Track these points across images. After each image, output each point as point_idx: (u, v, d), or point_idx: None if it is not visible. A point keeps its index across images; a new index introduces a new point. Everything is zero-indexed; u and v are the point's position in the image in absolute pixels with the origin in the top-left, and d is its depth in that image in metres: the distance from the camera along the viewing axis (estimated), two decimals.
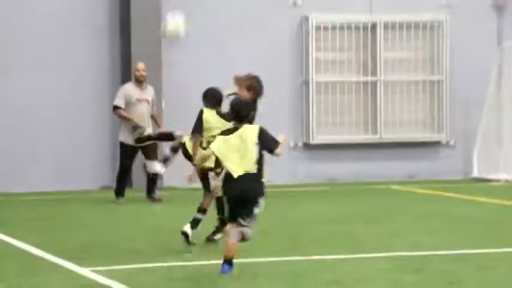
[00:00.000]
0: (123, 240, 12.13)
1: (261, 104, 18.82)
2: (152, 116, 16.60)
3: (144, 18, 18.64)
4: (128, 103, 16.32)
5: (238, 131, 9.57)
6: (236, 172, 9.40)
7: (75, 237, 12.43)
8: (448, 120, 20.16)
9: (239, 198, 9.40)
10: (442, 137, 20.18)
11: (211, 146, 9.65)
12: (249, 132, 9.57)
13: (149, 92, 16.59)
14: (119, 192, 16.43)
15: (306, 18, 19.75)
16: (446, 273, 9.62)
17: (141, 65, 16.53)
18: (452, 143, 20.16)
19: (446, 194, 17.29)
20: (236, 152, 9.45)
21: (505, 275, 9.59)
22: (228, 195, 9.54)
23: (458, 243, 11.62)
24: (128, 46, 18.72)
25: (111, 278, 9.41)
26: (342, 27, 19.92)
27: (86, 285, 9.20)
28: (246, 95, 11.19)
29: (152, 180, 16.39)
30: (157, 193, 16.45)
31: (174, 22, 11.53)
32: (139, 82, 16.48)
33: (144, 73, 16.47)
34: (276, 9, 19.62)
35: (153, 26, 18.39)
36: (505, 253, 10.99)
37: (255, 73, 19.04)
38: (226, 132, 9.67)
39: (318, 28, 19.79)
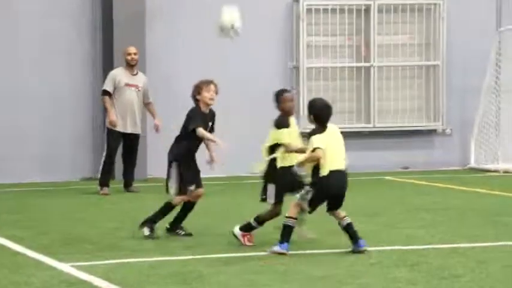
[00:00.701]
0: (104, 234, 12.15)
1: (251, 91, 19.22)
2: (147, 105, 16.58)
3: (127, 9, 18.73)
4: (117, 88, 16.29)
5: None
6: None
7: (55, 231, 12.45)
8: (445, 107, 20.21)
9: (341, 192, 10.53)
10: (438, 126, 20.23)
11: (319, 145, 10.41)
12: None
13: (140, 79, 16.52)
14: (104, 182, 16.40)
15: (297, 0, 19.78)
16: (441, 268, 9.69)
17: (132, 49, 16.43)
18: (448, 131, 20.23)
19: (442, 185, 17.35)
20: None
21: (502, 269, 9.65)
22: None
23: (455, 237, 11.69)
24: (111, 36, 18.74)
25: (91, 273, 9.46)
26: (334, 10, 19.95)
27: (66, 281, 9.21)
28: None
29: (131, 171, 16.46)
30: (134, 185, 16.52)
31: (230, 16, 11.70)
32: (130, 66, 16.40)
33: (135, 57, 16.36)
34: None
35: (134, 15, 18.54)
36: (503, 246, 11.08)
37: (244, 58, 19.33)
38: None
39: (309, 11, 19.83)
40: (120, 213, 14.32)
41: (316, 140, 10.46)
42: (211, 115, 11.85)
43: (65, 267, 9.87)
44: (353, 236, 10.53)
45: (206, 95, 11.67)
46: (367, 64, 20.08)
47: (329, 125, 10.73)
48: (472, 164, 19.89)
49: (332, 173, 10.37)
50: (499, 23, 20.42)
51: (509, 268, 9.69)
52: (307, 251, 10.65)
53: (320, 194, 10.44)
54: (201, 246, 11.04)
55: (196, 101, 11.75)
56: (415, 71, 20.34)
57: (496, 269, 9.62)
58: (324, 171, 10.35)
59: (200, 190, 11.71)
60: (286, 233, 10.48)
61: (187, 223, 11.87)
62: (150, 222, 11.68)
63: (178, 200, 11.60)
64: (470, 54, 20.04)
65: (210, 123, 11.80)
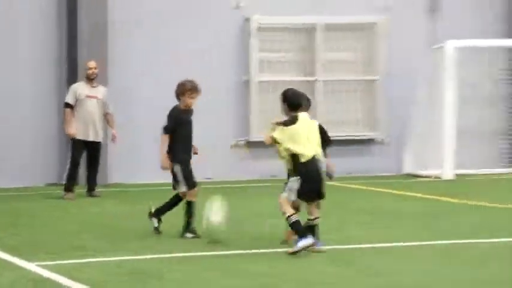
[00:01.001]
0: (68, 236, 12.12)
1: (205, 102, 19.24)
2: (106, 116, 16.63)
3: (91, 20, 18.72)
4: (78, 99, 16.40)
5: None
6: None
7: (22, 233, 12.38)
8: (382, 118, 20.36)
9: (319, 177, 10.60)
10: (376, 135, 20.35)
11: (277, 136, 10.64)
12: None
13: (100, 91, 16.63)
14: (69, 187, 16.37)
15: (248, 20, 19.83)
16: (374, 265, 9.85)
17: (92, 63, 16.57)
18: (386, 140, 20.30)
19: (380, 190, 17.43)
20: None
21: (432, 266, 9.81)
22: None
23: (390, 237, 11.83)
24: (75, 44, 18.72)
25: (57, 272, 9.44)
26: (283, 29, 20.01)
27: (33, 280, 9.22)
28: None
29: (93, 177, 16.50)
30: (96, 190, 16.57)
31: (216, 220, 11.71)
32: (90, 80, 16.51)
33: (95, 70, 16.50)
34: (219, 10, 19.58)
35: (100, 27, 18.54)
36: (434, 245, 11.22)
37: (200, 72, 19.37)
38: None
39: (260, 29, 19.84)
40: (83, 216, 14.25)
41: (278, 131, 10.64)
42: (191, 110, 12.06)
43: (32, 267, 9.84)
44: (315, 236, 10.55)
45: (188, 101, 11.89)
46: (312, 78, 20.18)
47: (301, 114, 10.78)
48: (407, 170, 20.08)
49: (308, 159, 10.48)
50: (432, 41, 20.60)
51: (438, 265, 9.85)
52: (255, 250, 10.76)
53: (304, 181, 10.45)
54: (159, 246, 11.11)
55: (178, 99, 11.95)
56: (356, 85, 20.44)
57: (426, 266, 9.77)
58: (302, 159, 10.47)
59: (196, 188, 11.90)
60: (297, 228, 10.42)
61: (145, 226, 11.96)
62: (159, 213, 11.87)
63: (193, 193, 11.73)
64: (407, 70, 20.09)
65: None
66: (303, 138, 10.64)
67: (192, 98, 11.89)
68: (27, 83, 18.69)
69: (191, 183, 11.80)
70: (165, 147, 11.84)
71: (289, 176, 10.69)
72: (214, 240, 11.03)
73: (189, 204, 11.74)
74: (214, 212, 11.36)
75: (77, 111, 16.39)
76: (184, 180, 11.75)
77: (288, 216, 10.43)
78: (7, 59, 18.57)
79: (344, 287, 8.79)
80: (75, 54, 18.59)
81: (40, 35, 18.73)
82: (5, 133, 18.54)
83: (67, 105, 16.45)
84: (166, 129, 11.85)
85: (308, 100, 11.17)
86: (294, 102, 10.81)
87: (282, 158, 10.76)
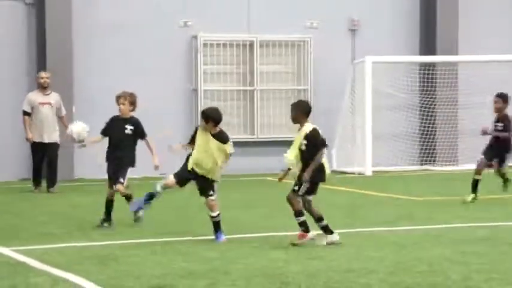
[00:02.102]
0: (38, 224, 11.98)
1: (158, 108, 19.14)
2: (60, 119, 16.38)
3: (57, 37, 18.52)
4: (33, 106, 16.18)
5: None
6: None
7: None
8: (312, 123, 20.29)
9: None
10: None
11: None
12: None
13: (53, 97, 16.37)
14: (35, 183, 16.24)
15: (195, 37, 19.77)
16: (309, 249, 9.77)
17: (43, 73, 16.45)
18: None
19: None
20: None
21: (357, 250, 9.75)
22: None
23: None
24: (44, 57, 18.50)
25: (28, 256, 9.33)
26: (225, 45, 19.99)
27: (6, 263, 9.07)
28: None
29: (52, 175, 16.19)
30: (55, 187, 16.21)
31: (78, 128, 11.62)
32: (43, 88, 16.29)
33: (47, 80, 16.31)
34: (169, 29, 19.54)
35: (65, 43, 18.34)
36: (359, 232, 11.22)
37: (153, 82, 19.25)
38: None
39: (205, 45, 19.84)
40: (51, 208, 14.08)
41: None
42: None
43: (7, 251, 9.71)
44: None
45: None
46: (251, 88, 20.17)
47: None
48: (334, 167, 20.11)
49: None
50: (354, 56, 20.71)
51: (362, 249, 9.81)
52: (204, 237, 10.62)
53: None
54: (117, 233, 10.97)
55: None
56: (289, 93, 20.48)
57: (350, 249, 9.73)
58: None
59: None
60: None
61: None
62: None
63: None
64: (332, 81, 20.26)
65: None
66: None
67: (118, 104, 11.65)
68: (5, 89, 18.58)
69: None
70: None
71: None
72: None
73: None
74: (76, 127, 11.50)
75: (34, 116, 16.18)
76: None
77: (299, 215, 9.97)
78: None
79: (285, 269, 8.66)
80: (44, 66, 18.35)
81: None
82: None
83: (24, 112, 16.28)
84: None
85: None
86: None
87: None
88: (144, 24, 19.41)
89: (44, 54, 18.55)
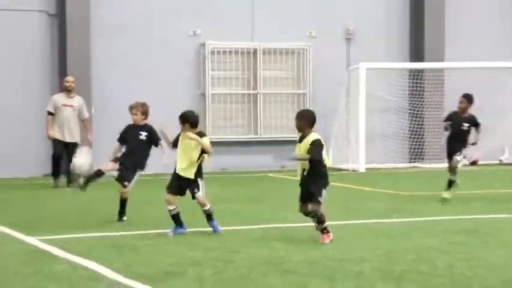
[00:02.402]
0: (60, 216, 12.00)
1: (169, 111, 19.16)
2: (83, 121, 16.36)
3: (77, 44, 18.56)
4: (56, 108, 16.16)
5: None
6: None
7: (23, 214, 12.26)
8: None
9: None
10: None
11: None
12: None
13: (76, 100, 16.37)
14: (54, 177, 16.22)
15: (203, 45, 19.79)
16: (308, 240, 9.79)
17: (69, 78, 16.42)
18: None
19: None
20: None
21: (352, 240, 9.77)
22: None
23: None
24: (64, 62, 18.56)
25: (51, 245, 9.37)
26: (231, 52, 20.00)
27: (32, 251, 9.12)
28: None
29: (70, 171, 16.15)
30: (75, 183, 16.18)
31: (82, 160, 11.51)
32: (67, 91, 16.26)
33: (72, 84, 16.27)
34: (180, 37, 19.57)
35: (83, 50, 18.38)
36: (354, 224, 11.24)
37: (165, 87, 19.30)
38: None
39: (212, 52, 19.85)
40: (70, 201, 14.09)
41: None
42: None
43: (32, 240, 9.75)
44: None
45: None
46: (255, 92, 20.19)
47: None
48: (330, 164, 20.07)
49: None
50: (349, 63, 20.72)
51: (357, 240, 9.82)
52: (208, 229, 10.65)
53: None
54: (132, 225, 10.97)
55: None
56: (289, 97, 20.50)
57: (346, 240, 9.73)
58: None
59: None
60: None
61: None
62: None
63: None
64: (329, 85, 20.27)
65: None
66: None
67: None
68: (30, 91, 18.67)
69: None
70: None
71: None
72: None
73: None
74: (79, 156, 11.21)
75: (57, 117, 16.19)
76: None
77: (321, 220, 9.52)
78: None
79: (286, 258, 8.69)
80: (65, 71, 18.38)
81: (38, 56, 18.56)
82: (11, 131, 18.49)
83: (48, 112, 16.28)
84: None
85: None
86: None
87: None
88: (157, 33, 19.45)
89: (65, 59, 18.60)
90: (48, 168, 18.35)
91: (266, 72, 20.22)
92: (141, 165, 11.53)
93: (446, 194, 13.37)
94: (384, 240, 9.76)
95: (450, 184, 13.49)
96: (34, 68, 18.74)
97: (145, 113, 11.68)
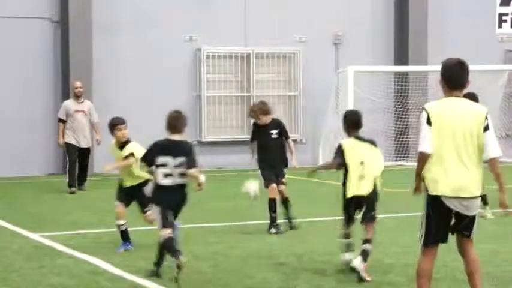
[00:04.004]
0: (63, 214, 12.00)
1: (165, 113, 19.14)
2: (93, 125, 15.71)
3: (79, 50, 18.53)
4: (68, 114, 15.63)
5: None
6: None
7: (27, 212, 12.24)
8: (301, 124, 20.41)
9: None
10: (297, 137, 20.38)
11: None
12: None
13: (86, 105, 15.91)
14: (70, 183, 15.28)
15: (199, 49, 19.77)
16: (298, 235, 9.78)
17: (78, 83, 15.84)
18: (304, 141, 20.34)
19: (300, 178, 17.42)
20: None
21: (338, 234, 9.77)
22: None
23: (310, 214, 11.78)
24: (67, 67, 18.46)
25: (54, 241, 9.37)
26: (225, 56, 19.98)
27: (36, 247, 9.12)
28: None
29: (84, 175, 15.85)
30: (85, 185, 15.81)
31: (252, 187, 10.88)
32: (77, 97, 15.72)
33: (81, 89, 15.73)
34: (176, 42, 19.50)
35: (86, 56, 18.34)
36: (338, 219, 11.13)
37: (162, 89, 19.29)
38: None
39: (208, 57, 19.82)
40: (73, 200, 14.11)
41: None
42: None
43: (36, 237, 9.74)
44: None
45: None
46: (248, 94, 20.17)
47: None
48: (320, 163, 20.06)
49: None
50: (337, 67, 20.72)
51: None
52: (207, 224, 10.63)
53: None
54: (131, 222, 10.89)
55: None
56: (281, 99, 20.49)
57: (332, 236, 9.73)
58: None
59: None
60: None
61: None
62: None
63: None
64: (319, 87, 20.22)
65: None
66: None
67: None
68: (38, 97, 18.53)
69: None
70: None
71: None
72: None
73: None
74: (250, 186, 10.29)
75: (70, 123, 15.70)
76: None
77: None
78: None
79: (277, 252, 8.67)
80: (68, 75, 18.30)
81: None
82: (17, 132, 18.35)
83: (59, 120, 15.64)
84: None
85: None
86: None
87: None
88: (155, 39, 19.41)
89: (68, 65, 18.55)
90: (52, 168, 18.34)
91: (259, 76, 20.20)
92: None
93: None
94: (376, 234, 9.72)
95: None
96: (38, 74, 18.65)
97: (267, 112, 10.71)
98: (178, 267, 7.20)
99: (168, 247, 7.49)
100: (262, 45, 20.08)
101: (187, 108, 19.90)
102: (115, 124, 9.01)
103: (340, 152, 8.36)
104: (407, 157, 20.92)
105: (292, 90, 20.48)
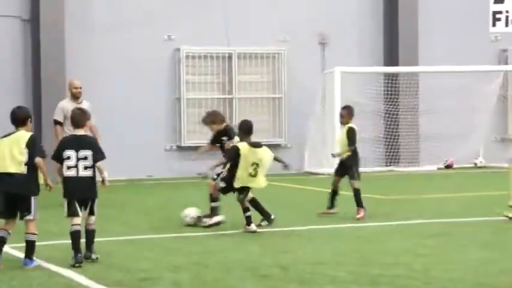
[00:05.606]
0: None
1: (145, 114, 19.16)
2: (90, 128, 15.17)
3: (51, 49, 18.49)
4: (66, 116, 14.23)
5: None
6: None
7: None
8: (286, 128, 20.44)
9: None
10: (281, 141, 20.45)
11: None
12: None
13: (83, 106, 15.03)
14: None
15: (178, 49, 19.77)
16: (282, 244, 9.81)
17: (77, 82, 14.72)
18: (289, 145, 20.38)
19: (285, 185, 17.49)
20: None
21: (325, 243, 9.82)
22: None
23: (293, 222, 11.71)
24: (38, 68, 18.39)
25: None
26: (206, 57, 19.99)
27: (5, 259, 8.89)
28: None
29: None
30: None
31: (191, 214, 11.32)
32: (75, 98, 14.65)
33: (80, 90, 14.66)
34: (154, 42, 19.52)
35: (58, 55, 18.32)
36: (325, 228, 11.24)
37: (140, 91, 19.28)
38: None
39: (187, 57, 19.83)
40: (46, 208, 13.98)
41: None
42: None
43: (5, 248, 9.57)
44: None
45: None
46: (230, 96, 20.19)
47: None
48: (306, 169, 20.14)
49: None
50: (323, 67, 20.77)
51: (330, 243, 9.83)
52: (188, 234, 10.64)
53: None
54: (108, 231, 10.84)
55: None
56: (265, 101, 20.52)
57: (321, 245, 9.74)
58: None
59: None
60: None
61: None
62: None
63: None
64: (304, 89, 20.26)
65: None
66: None
67: None
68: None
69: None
70: None
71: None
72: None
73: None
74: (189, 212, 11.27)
75: (68, 126, 15.01)
76: None
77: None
78: None
79: (255, 262, 8.69)
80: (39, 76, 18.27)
81: None
82: None
83: (56, 122, 14.68)
84: None
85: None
86: None
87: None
88: (131, 37, 19.40)
89: (39, 65, 18.51)
90: None
91: (241, 77, 20.22)
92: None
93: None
94: (359, 243, 9.80)
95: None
96: (7, 73, 18.60)
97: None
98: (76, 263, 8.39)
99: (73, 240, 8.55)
100: (245, 44, 20.11)
101: (166, 111, 19.98)
102: None
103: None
104: (398, 162, 21.02)
105: (277, 92, 20.52)
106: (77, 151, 8.66)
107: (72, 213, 8.67)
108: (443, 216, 12.12)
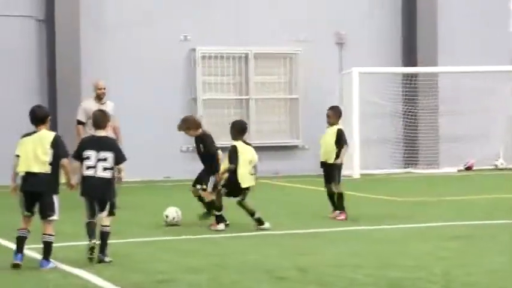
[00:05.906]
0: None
1: (162, 116, 19.20)
2: (114, 129, 14.29)
3: (66, 50, 18.54)
4: (88, 116, 14.09)
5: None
6: None
7: (13, 222, 12.16)
8: (303, 129, 20.42)
9: None
10: (298, 142, 20.45)
11: None
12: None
13: (107, 107, 14.31)
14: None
15: (194, 50, 19.80)
16: (301, 246, 9.80)
17: (102, 83, 14.50)
18: (306, 146, 20.34)
19: (302, 186, 17.50)
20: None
21: (345, 246, 9.80)
22: None
23: (314, 224, 11.75)
24: (54, 68, 18.51)
25: (40, 253, 9.23)
26: (222, 57, 20.01)
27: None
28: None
29: None
30: None
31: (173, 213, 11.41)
32: (99, 98, 14.49)
33: (104, 90, 14.46)
34: (171, 42, 19.57)
35: (74, 56, 18.37)
36: (346, 230, 11.20)
37: (156, 92, 19.32)
38: None
39: (203, 57, 19.86)
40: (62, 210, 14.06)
41: None
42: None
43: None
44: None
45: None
46: (246, 97, 20.19)
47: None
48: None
49: None
50: (341, 68, 20.74)
51: (351, 246, 9.79)
52: (206, 235, 10.64)
53: None
54: (125, 233, 10.80)
55: None
56: (281, 102, 20.51)
57: (342, 246, 9.71)
58: None
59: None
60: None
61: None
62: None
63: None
64: (321, 90, 20.20)
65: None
66: None
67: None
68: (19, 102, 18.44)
69: None
70: None
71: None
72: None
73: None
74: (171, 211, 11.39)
75: (90, 126, 14.84)
76: None
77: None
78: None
79: (272, 264, 8.67)
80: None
81: None
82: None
83: (78, 122, 14.56)
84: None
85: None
86: None
87: None
88: (147, 38, 19.45)
89: (54, 65, 18.58)
90: None
91: (257, 78, 20.22)
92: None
93: None
94: (378, 246, 9.77)
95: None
96: (22, 73, 18.69)
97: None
98: (91, 249, 8.62)
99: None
100: (261, 45, 20.11)
101: (182, 112, 19.96)
102: None
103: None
104: (417, 164, 20.96)
105: (293, 93, 20.50)
106: (97, 152, 8.76)
107: (87, 211, 8.97)
108: (464, 219, 12.06)
